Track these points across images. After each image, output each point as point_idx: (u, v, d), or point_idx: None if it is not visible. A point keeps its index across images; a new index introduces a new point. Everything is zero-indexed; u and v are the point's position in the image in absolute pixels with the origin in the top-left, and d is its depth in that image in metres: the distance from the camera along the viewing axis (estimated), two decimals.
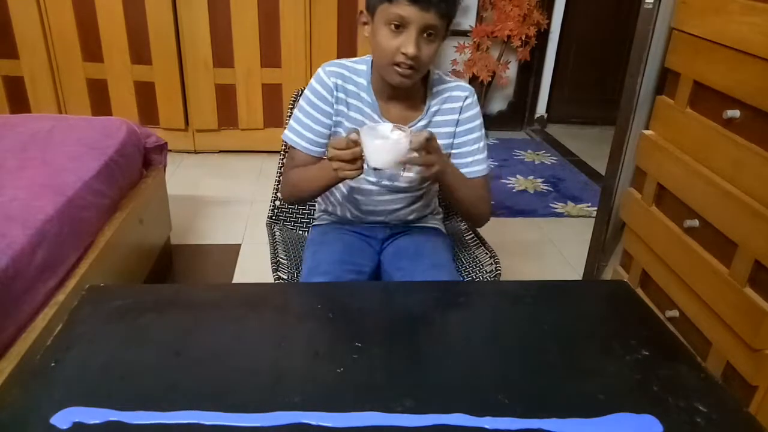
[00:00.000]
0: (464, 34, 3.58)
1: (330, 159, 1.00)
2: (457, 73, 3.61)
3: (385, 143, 0.96)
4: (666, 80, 1.64)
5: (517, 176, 3.18)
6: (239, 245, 2.35)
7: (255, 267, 2.20)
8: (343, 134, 1.20)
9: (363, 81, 1.20)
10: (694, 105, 1.51)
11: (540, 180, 3.16)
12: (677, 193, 1.54)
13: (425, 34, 1.07)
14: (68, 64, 3.00)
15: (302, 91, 1.52)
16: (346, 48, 3.11)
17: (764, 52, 1.24)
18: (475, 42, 3.54)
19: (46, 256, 1.29)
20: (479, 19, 3.59)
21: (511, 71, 3.76)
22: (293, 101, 1.52)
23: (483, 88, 3.66)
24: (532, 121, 4.02)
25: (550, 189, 3.06)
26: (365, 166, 1.01)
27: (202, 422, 0.66)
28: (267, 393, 0.72)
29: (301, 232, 1.55)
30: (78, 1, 2.87)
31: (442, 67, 3.68)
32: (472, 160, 1.24)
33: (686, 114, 1.52)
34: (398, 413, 0.69)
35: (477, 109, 1.25)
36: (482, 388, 0.74)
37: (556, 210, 2.83)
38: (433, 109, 1.22)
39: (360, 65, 1.22)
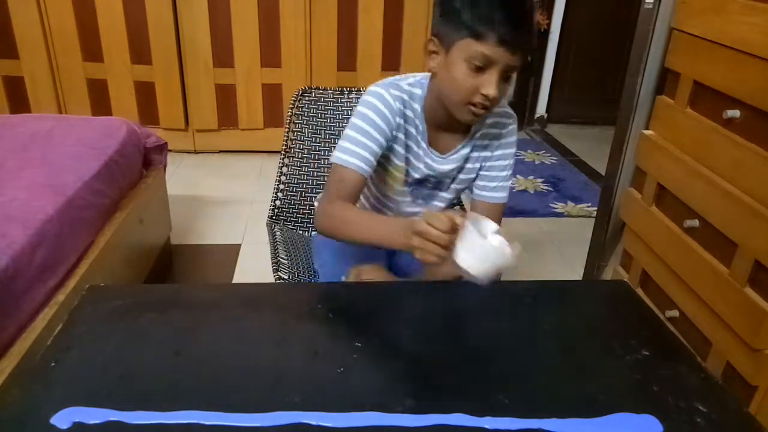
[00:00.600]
0: None
1: (417, 232, 0.84)
2: None
3: (489, 249, 0.81)
4: (666, 80, 1.64)
5: (517, 176, 3.18)
6: (239, 245, 2.35)
7: (255, 267, 2.20)
8: (397, 162, 1.16)
9: (417, 107, 1.13)
10: (694, 105, 1.51)
11: (540, 180, 3.16)
12: (677, 193, 1.54)
13: (505, 75, 1.01)
14: (68, 64, 3.00)
15: (303, 90, 1.53)
16: (346, 48, 3.11)
17: (764, 52, 1.24)
18: None
19: (46, 256, 1.29)
20: None
21: None
22: (294, 101, 1.52)
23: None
24: (532, 121, 4.02)
25: (550, 189, 3.06)
26: (453, 258, 0.83)
27: (202, 422, 0.66)
28: (267, 393, 0.72)
29: (301, 232, 1.55)
30: (78, 1, 2.88)
31: None
32: (495, 185, 1.21)
33: (686, 114, 1.52)
34: (398, 413, 0.69)
35: (515, 137, 1.22)
36: (482, 388, 0.74)
37: (556, 210, 2.83)
38: (477, 134, 1.18)
39: (416, 89, 1.14)
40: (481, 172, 1.22)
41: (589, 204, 2.88)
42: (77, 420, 0.65)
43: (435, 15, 1.06)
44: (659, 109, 1.65)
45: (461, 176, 1.22)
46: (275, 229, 1.49)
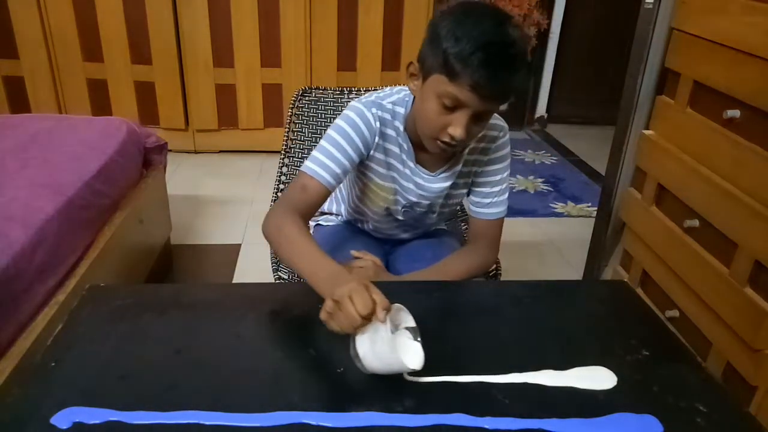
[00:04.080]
0: None
1: (335, 300, 0.75)
2: None
3: (392, 357, 0.72)
4: (666, 80, 1.64)
5: (517, 176, 3.18)
6: (239, 245, 2.35)
7: (255, 267, 2.20)
8: (382, 183, 1.14)
9: (400, 126, 1.09)
10: (694, 105, 1.51)
11: (540, 180, 3.16)
12: (677, 193, 1.54)
13: (477, 117, 0.96)
14: (68, 64, 3.00)
15: (303, 90, 1.53)
16: (346, 48, 3.11)
17: (764, 52, 1.24)
18: None
19: (46, 256, 1.29)
20: None
21: None
22: (294, 101, 1.52)
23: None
24: (532, 121, 4.02)
25: (550, 189, 3.06)
26: (352, 340, 0.75)
27: (202, 422, 0.66)
28: (267, 393, 0.72)
29: None
30: (78, 1, 2.88)
31: None
32: (489, 201, 1.17)
33: (686, 114, 1.52)
34: (398, 413, 0.69)
35: (508, 149, 1.16)
36: (482, 387, 0.74)
37: (556, 210, 2.83)
38: (466, 150, 1.13)
39: (399, 107, 1.09)
40: (474, 188, 1.18)
41: (589, 204, 2.88)
42: (77, 420, 0.65)
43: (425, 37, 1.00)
44: (659, 109, 1.65)
45: (454, 192, 1.18)
46: None
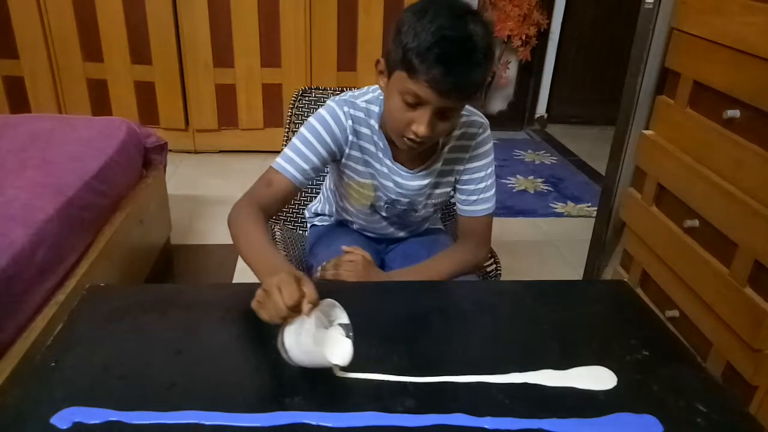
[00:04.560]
0: None
1: (264, 289, 0.77)
2: None
3: (316, 351, 0.72)
4: (666, 80, 1.64)
5: (517, 176, 3.18)
6: None
7: None
8: (361, 180, 1.14)
9: (375, 124, 1.09)
10: (694, 105, 1.51)
11: (540, 180, 3.16)
12: (677, 193, 1.54)
13: (441, 113, 0.95)
14: (68, 64, 3.00)
15: (303, 90, 1.53)
16: (346, 48, 3.11)
17: (764, 52, 1.24)
18: None
19: (46, 256, 1.29)
20: None
21: (511, 71, 3.77)
22: (293, 101, 1.52)
23: (483, 88, 3.65)
24: (532, 121, 4.02)
25: (550, 189, 3.06)
26: (281, 331, 0.75)
27: (202, 422, 0.66)
28: (267, 393, 0.72)
29: (301, 232, 1.55)
30: (78, 1, 2.88)
31: None
32: (476, 198, 1.16)
33: (686, 114, 1.52)
34: (398, 413, 0.69)
35: (489, 145, 1.15)
36: (482, 388, 0.74)
37: (556, 210, 2.83)
38: (446, 148, 1.13)
39: (373, 106, 1.10)
40: (459, 186, 1.18)
41: (589, 204, 2.88)
42: (77, 420, 0.65)
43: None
44: (659, 109, 1.65)
45: (436, 191, 1.18)
46: (275, 229, 1.49)
